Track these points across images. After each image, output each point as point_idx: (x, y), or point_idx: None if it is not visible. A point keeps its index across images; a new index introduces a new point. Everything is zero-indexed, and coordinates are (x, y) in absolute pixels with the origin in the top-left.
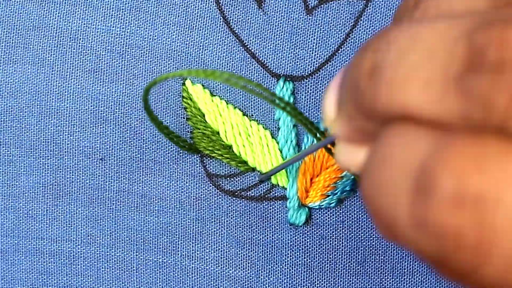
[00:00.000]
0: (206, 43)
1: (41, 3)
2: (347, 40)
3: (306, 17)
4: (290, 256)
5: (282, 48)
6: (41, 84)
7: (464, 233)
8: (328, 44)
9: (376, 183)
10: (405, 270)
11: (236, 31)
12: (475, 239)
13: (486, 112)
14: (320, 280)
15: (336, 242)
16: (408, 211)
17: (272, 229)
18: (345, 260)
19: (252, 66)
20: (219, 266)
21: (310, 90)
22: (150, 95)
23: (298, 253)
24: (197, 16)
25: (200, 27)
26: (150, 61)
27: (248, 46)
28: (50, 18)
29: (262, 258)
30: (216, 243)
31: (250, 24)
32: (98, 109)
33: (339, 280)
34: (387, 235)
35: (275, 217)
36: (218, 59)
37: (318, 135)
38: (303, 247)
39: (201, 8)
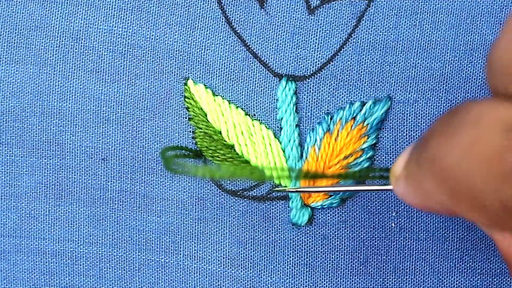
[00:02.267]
0: (208, 43)
1: (42, 3)
2: (349, 40)
3: (308, 17)
4: (292, 256)
5: (284, 48)
6: (43, 84)
7: None
8: (330, 44)
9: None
10: (407, 270)
11: (238, 31)
12: None
13: None
14: (322, 280)
15: (338, 242)
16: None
17: (274, 229)
18: (347, 260)
19: (254, 66)
20: (220, 266)
21: (312, 90)
22: (152, 96)
23: (300, 253)
24: (199, 16)
25: (202, 27)
26: (152, 61)
27: (250, 46)
28: (51, 18)
29: (264, 258)
30: (218, 243)
31: (252, 24)
32: (100, 109)
33: (341, 280)
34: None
35: (277, 217)
36: (220, 59)
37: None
38: (305, 247)
39: (203, 8)
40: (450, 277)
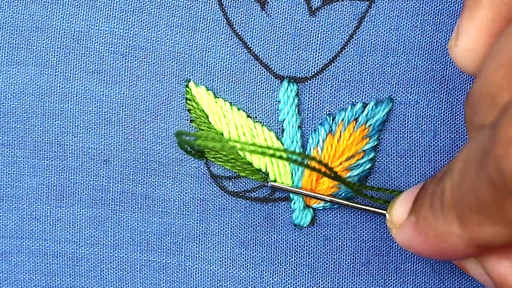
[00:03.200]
0: (209, 45)
1: (44, 5)
2: (351, 41)
3: (309, 18)
4: (294, 257)
5: (286, 49)
6: (45, 85)
7: None
8: (331, 45)
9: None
10: (409, 271)
11: (240, 33)
12: None
13: None
14: (324, 281)
15: (340, 243)
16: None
17: (276, 230)
18: (349, 261)
19: (256, 68)
20: (223, 267)
21: (314, 92)
22: (153, 97)
23: (302, 254)
24: (201, 18)
25: (204, 29)
26: (154, 63)
27: (251, 48)
28: (54, 20)
29: (266, 259)
30: (220, 244)
31: (254, 26)
32: (102, 111)
33: (343, 281)
34: None
35: (279, 218)
36: (221, 61)
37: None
38: (307, 248)
39: (204, 10)
40: (452, 278)
